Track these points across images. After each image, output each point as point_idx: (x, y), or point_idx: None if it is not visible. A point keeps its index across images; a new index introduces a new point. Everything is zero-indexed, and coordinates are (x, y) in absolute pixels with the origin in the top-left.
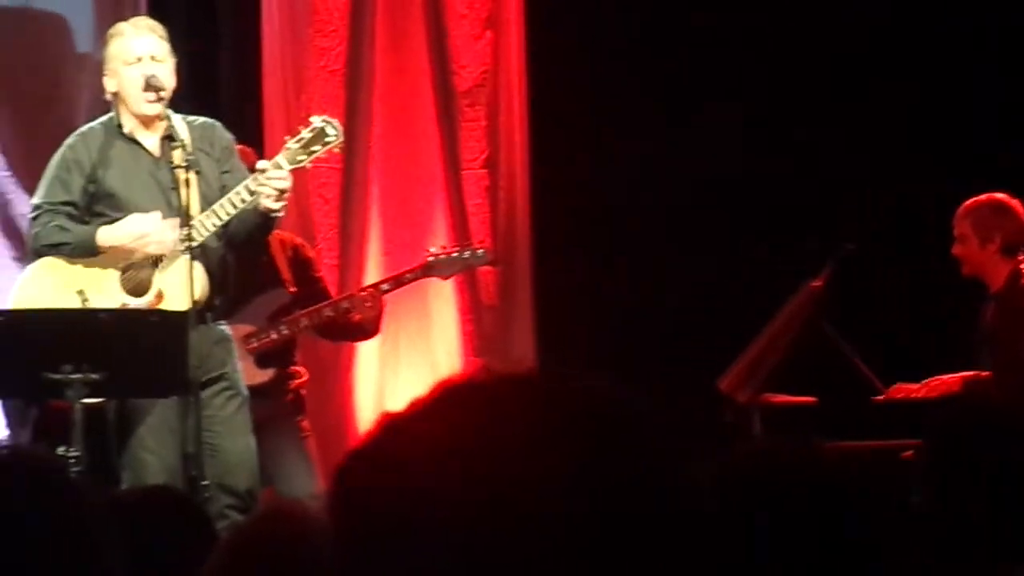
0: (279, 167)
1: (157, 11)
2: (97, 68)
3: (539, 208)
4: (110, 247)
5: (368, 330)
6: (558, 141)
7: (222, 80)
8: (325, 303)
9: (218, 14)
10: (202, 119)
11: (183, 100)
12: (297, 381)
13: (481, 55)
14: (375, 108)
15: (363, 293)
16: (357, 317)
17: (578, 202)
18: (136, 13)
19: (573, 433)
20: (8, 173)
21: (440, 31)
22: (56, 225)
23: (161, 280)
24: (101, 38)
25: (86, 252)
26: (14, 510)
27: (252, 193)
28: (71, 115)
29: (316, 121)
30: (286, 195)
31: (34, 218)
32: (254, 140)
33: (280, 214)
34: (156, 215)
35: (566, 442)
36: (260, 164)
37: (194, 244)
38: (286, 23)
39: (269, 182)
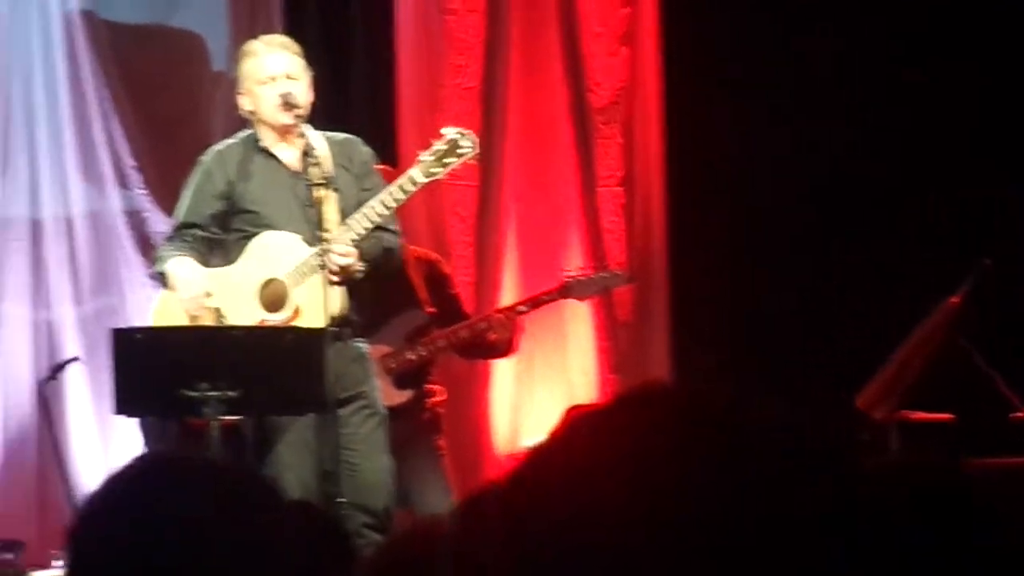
0: (398, 193)
1: (292, 28)
2: (232, 86)
3: (675, 225)
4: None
5: (503, 350)
6: (694, 158)
7: (356, 97)
8: (462, 324)
9: (353, 30)
10: (343, 135)
11: (317, 116)
12: (434, 399)
13: (617, 72)
14: (510, 125)
15: (500, 314)
16: (493, 337)
17: (714, 218)
18: (271, 30)
19: (715, 446)
20: (144, 191)
21: (575, 48)
22: (159, 256)
23: (299, 296)
24: (236, 56)
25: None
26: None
27: (388, 208)
28: (206, 133)
29: (450, 133)
30: (350, 269)
31: (165, 240)
32: (388, 157)
33: (352, 279)
34: (281, 237)
35: (709, 455)
36: (331, 237)
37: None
38: (422, 39)
39: (336, 257)
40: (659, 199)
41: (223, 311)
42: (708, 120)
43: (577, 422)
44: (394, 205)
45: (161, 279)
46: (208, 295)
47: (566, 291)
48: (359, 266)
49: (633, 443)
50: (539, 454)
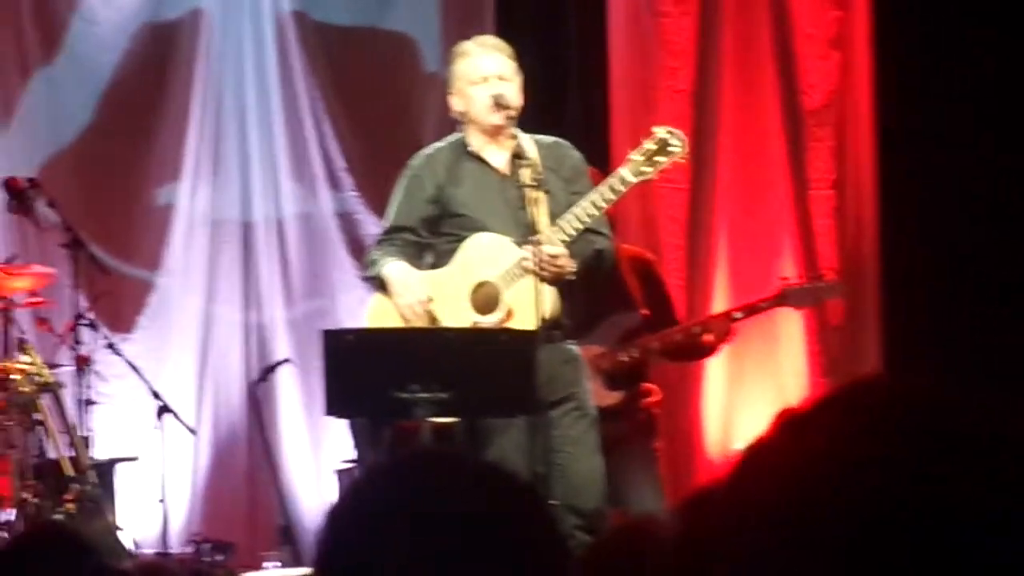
0: (612, 190)
1: (504, 30)
2: (444, 88)
3: (887, 228)
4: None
5: (708, 352)
6: (906, 161)
7: (569, 99)
8: (676, 328)
9: (566, 32)
10: (551, 138)
11: (529, 119)
12: (649, 400)
13: (828, 75)
14: (722, 128)
15: (715, 319)
16: (707, 339)
17: (927, 221)
18: (483, 32)
19: (927, 449)
20: (356, 193)
21: (787, 51)
22: (370, 259)
23: (511, 298)
24: (448, 57)
25: (384, 289)
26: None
27: (599, 208)
28: (418, 135)
29: (659, 132)
30: (558, 263)
31: (375, 244)
32: (601, 158)
33: (564, 278)
34: (493, 239)
35: (920, 458)
36: (542, 239)
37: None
38: (634, 42)
39: (547, 249)
40: (871, 201)
41: (436, 314)
42: (919, 122)
43: (787, 423)
44: (604, 205)
45: (375, 283)
46: (429, 300)
47: (782, 299)
48: (571, 266)
49: (843, 444)
50: (750, 456)
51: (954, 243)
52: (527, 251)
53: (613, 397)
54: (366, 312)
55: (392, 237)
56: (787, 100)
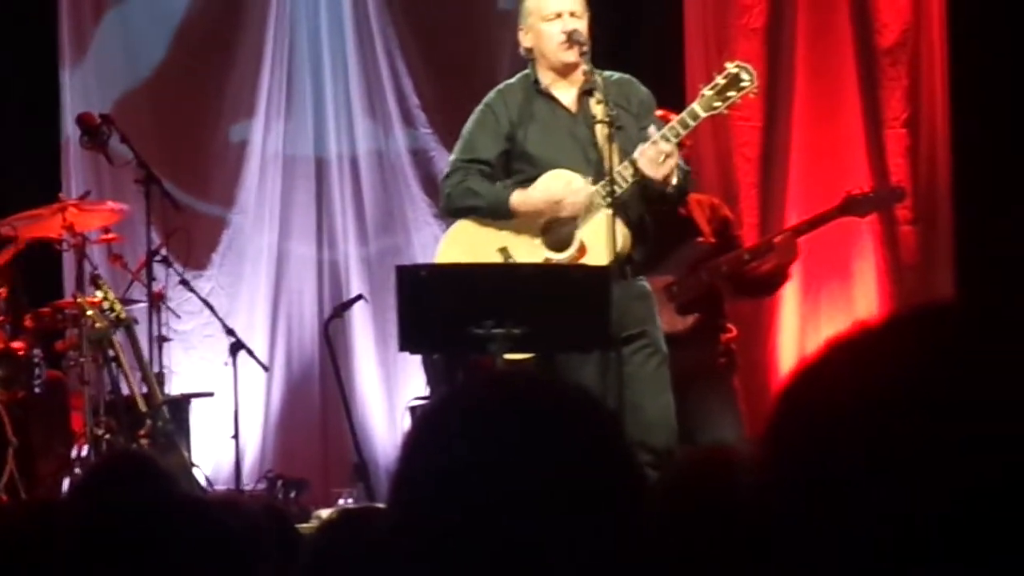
0: (672, 133)
1: None
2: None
3: (960, 167)
4: (524, 212)
5: (780, 279)
6: (979, 100)
7: (643, 37)
8: (743, 249)
9: None
10: (619, 74)
11: (602, 57)
12: (727, 336)
13: (902, 13)
14: (797, 66)
15: (781, 237)
16: (771, 263)
17: (1000, 161)
18: None
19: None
20: (429, 130)
21: None
22: (467, 187)
23: (583, 234)
24: None
25: (498, 216)
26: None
27: (670, 142)
28: (492, 72)
29: (730, 67)
30: (670, 161)
31: (446, 176)
32: (675, 97)
33: (671, 183)
34: (568, 175)
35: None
36: (651, 130)
37: (615, 197)
38: None
39: (650, 151)
40: (944, 141)
41: (509, 250)
42: (993, 61)
43: (840, 343)
44: (675, 140)
45: (464, 213)
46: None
47: (845, 208)
48: (676, 172)
49: (895, 364)
50: (801, 375)
51: None
52: (600, 185)
53: (684, 322)
54: (444, 240)
55: (468, 167)
56: (860, 38)
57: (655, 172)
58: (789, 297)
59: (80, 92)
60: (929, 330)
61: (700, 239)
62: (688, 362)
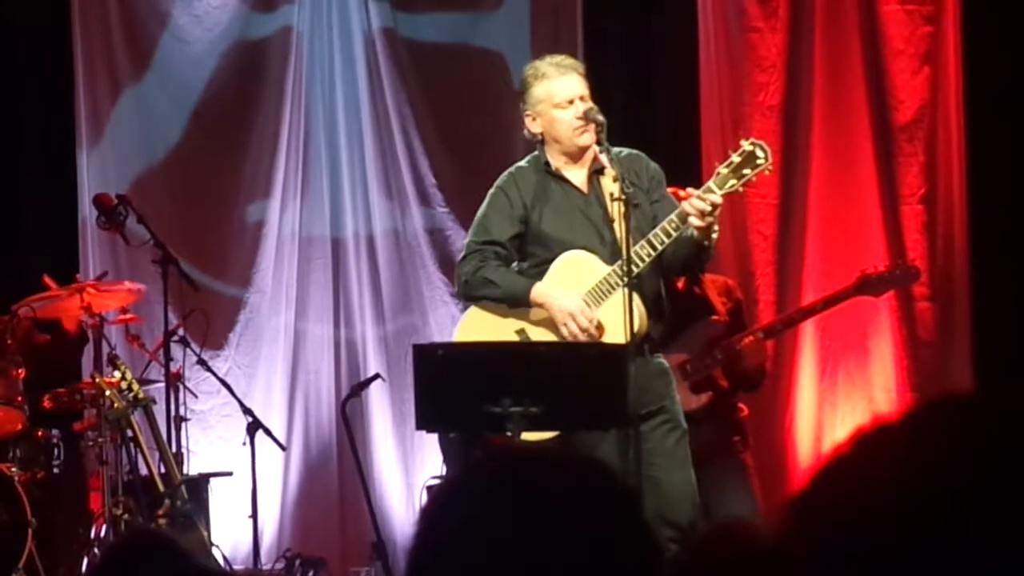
0: (711, 191)
1: (595, 46)
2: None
3: (977, 243)
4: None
5: (758, 378)
6: (996, 177)
7: (659, 115)
8: (761, 326)
9: (655, 47)
10: (627, 150)
11: (619, 135)
12: (740, 414)
13: (919, 90)
14: (813, 143)
15: (748, 339)
16: (748, 364)
17: (1017, 236)
18: (573, 49)
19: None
20: (446, 209)
21: (878, 67)
22: (484, 277)
23: (601, 314)
24: (522, 77)
25: (513, 304)
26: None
27: (684, 220)
28: (508, 152)
29: (745, 145)
30: (716, 213)
31: (462, 259)
32: (691, 174)
33: (713, 235)
34: (585, 257)
35: (991, 472)
36: (690, 189)
37: (632, 276)
38: (723, 57)
39: (697, 203)
40: (961, 217)
41: (527, 330)
42: (1009, 137)
43: (865, 434)
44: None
45: (479, 292)
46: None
47: (861, 287)
48: (718, 199)
49: (918, 455)
50: (830, 463)
51: None
52: (615, 266)
53: (699, 400)
54: (461, 322)
55: (484, 249)
56: (877, 115)
57: (702, 220)
58: (806, 373)
59: (97, 173)
60: (950, 423)
61: (715, 317)
62: (702, 440)
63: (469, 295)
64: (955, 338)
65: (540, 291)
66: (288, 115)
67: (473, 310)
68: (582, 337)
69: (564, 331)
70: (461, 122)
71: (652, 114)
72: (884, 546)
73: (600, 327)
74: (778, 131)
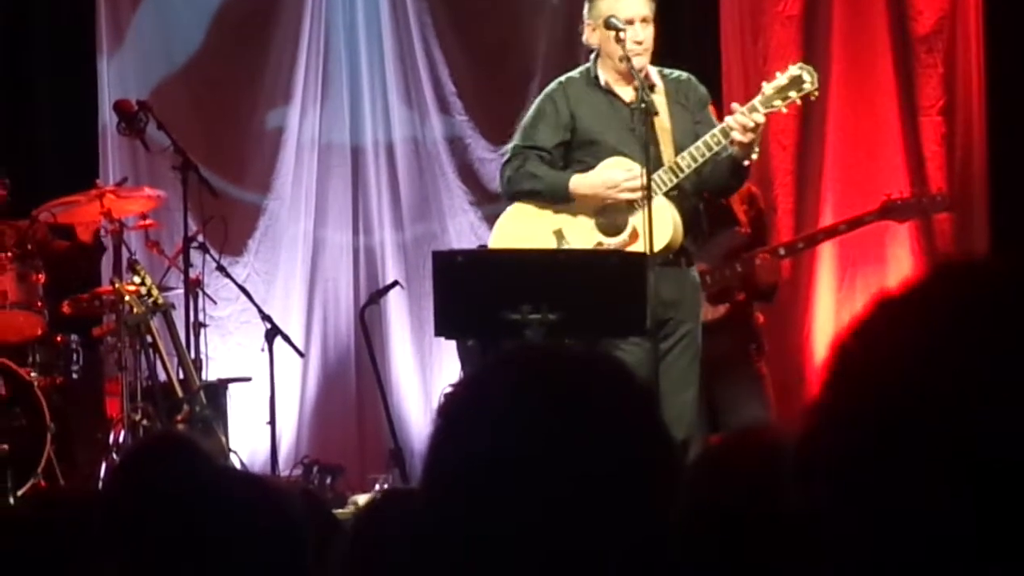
0: (755, 110)
1: None
2: (554, 15)
3: (996, 154)
4: (582, 195)
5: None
6: (1015, 87)
7: (678, 27)
8: (780, 244)
9: None
10: (678, 72)
11: None
12: (756, 323)
13: (938, 1)
14: (832, 54)
15: (821, 232)
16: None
17: None
18: None
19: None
20: (465, 117)
21: None
22: (527, 171)
23: (636, 221)
24: None
25: (557, 199)
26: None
27: (726, 136)
28: (528, 61)
29: (793, 69)
30: (758, 131)
31: (507, 161)
32: (711, 85)
33: (753, 155)
34: (627, 162)
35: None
36: (735, 105)
37: (669, 188)
38: None
39: (741, 118)
40: (980, 128)
41: (563, 232)
42: None
43: (883, 303)
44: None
45: (523, 196)
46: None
47: (885, 212)
48: (761, 118)
49: (937, 326)
50: (846, 339)
51: None
52: (657, 174)
53: (717, 312)
54: (501, 219)
55: (527, 152)
56: (896, 26)
57: (744, 136)
58: (824, 283)
59: (117, 79)
60: (965, 284)
61: (738, 228)
62: (718, 349)
63: (512, 191)
64: (973, 249)
65: (575, 181)
66: (308, 22)
67: (515, 206)
68: (632, 185)
69: (622, 197)
70: (481, 31)
71: (672, 26)
72: (912, 412)
73: (635, 234)
74: (797, 41)
